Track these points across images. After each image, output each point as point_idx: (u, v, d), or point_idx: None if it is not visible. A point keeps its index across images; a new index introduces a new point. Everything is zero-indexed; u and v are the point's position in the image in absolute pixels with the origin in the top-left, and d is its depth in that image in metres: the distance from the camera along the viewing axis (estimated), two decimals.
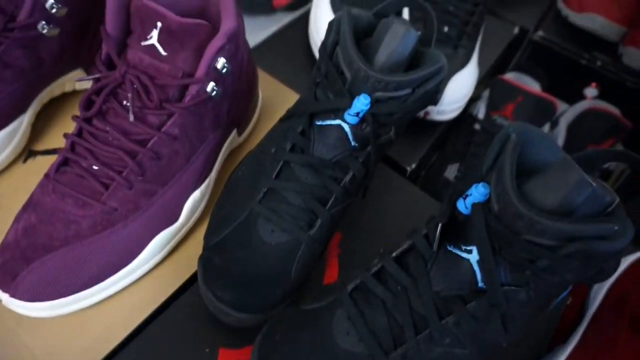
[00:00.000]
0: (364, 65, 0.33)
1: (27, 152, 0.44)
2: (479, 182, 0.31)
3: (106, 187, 0.35)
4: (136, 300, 0.38)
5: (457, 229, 0.33)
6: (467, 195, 0.31)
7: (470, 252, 0.32)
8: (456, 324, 0.31)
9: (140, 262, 0.37)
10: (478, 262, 0.32)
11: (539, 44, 0.69)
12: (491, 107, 0.58)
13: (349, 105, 0.34)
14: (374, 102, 0.34)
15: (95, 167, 0.35)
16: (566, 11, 0.68)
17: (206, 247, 0.37)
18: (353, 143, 0.37)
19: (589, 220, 0.27)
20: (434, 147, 0.57)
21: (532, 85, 0.62)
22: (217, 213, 0.39)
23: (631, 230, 0.27)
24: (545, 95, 0.56)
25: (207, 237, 0.38)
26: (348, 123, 0.36)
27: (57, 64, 0.42)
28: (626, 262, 0.40)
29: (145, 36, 0.35)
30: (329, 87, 0.36)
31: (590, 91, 0.70)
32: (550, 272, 0.29)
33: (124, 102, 0.36)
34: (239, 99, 0.42)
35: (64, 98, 0.47)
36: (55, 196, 0.35)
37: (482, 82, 0.62)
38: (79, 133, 0.36)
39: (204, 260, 0.36)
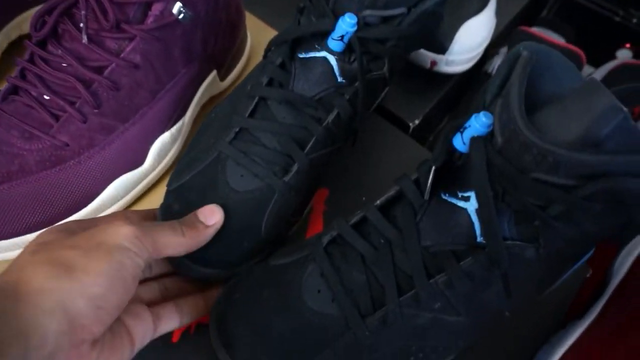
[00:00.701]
0: None
1: None
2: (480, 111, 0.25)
3: (57, 118, 0.31)
4: None
5: (454, 174, 0.28)
6: (465, 128, 0.26)
7: (468, 199, 0.27)
8: (447, 284, 0.27)
9: (98, 206, 0.33)
10: (477, 210, 0.27)
11: None
12: None
13: (332, 27, 0.30)
14: (362, 25, 0.30)
15: (46, 97, 0.32)
16: None
17: (167, 192, 0.33)
18: (340, 79, 0.32)
19: (617, 151, 0.22)
20: (443, 104, 0.51)
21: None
22: (184, 157, 0.35)
23: None
24: (570, 46, 0.50)
25: (170, 181, 0.33)
26: (334, 54, 0.32)
27: None
28: None
29: None
30: (313, 10, 0.31)
31: (624, 53, 0.63)
32: (564, 221, 0.24)
33: (81, 25, 0.31)
34: (217, 32, 0.37)
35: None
36: (1, 128, 0.31)
37: (500, 37, 0.56)
38: (30, 58, 0.32)
39: (163, 207, 0.32)
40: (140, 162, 0.35)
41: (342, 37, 0.30)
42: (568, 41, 0.57)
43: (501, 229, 0.26)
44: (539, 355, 0.33)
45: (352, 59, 0.32)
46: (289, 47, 0.32)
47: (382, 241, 0.28)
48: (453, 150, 0.27)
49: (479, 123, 0.25)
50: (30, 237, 0.31)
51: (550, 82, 0.26)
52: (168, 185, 0.33)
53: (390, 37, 0.31)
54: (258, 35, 0.48)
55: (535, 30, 0.55)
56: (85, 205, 0.33)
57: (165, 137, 0.36)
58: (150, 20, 0.31)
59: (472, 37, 0.47)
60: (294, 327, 0.28)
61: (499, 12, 0.52)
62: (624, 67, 0.51)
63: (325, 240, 0.29)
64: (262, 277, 0.30)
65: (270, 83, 0.32)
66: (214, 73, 0.40)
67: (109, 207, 0.34)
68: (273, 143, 0.32)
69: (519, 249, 0.26)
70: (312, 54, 0.32)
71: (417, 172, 0.29)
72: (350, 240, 0.29)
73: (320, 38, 0.32)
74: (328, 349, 0.27)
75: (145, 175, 0.36)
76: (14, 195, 0.30)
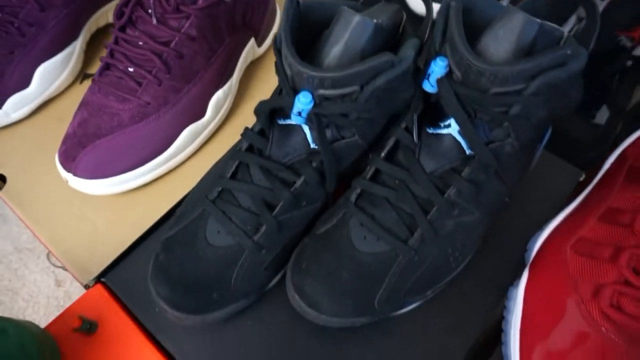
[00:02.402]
0: (294, 59, 0.29)
1: (82, 75, 0.52)
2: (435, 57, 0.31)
3: (140, 84, 0.42)
4: (174, 185, 0.44)
5: (431, 111, 0.34)
6: (429, 74, 0.31)
7: (449, 125, 0.33)
8: (457, 193, 0.33)
9: (174, 150, 0.44)
10: (459, 131, 0.33)
11: None
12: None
13: (291, 104, 0.31)
14: (321, 101, 0.31)
15: (130, 69, 0.42)
16: None
17: (160, 242, 0.36)
18: (313, 145, 0.35)
19: (543, 52, 0.28)
20: None
21: None
22: (182, 205, 0.38)
23: (584, 53, 0.28)
24: None
25: (165, 231, 0.37)
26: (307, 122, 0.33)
27: None
28: (635, 135, 0.40)
29: None
30: (281, 84, 0.33)
31: None
32: (524, 116, 0.31)
33: (149, 10, 0.41)
34: (252, 7, 0.46)
35: (109, 29, 0.54)
36: (101, 95, 0.42)
37: None
38: (116, 41, 0.42)
39: (154, 255, 0.36)
40: (202, 114, 0.45)
41: (300, 112, 0.31)
42: None
43: (482, 138, 0.32)
44: (532, 238, 0.40)
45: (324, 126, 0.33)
46: (267, 116, 0.34)
47: (397, 182, 0.34)
48: (426, 94, 0.33)
49: (437, 66, 0.31)
50: (129, 175, 0.42)
51: (480, 15, 0.32)
52: (163, 235, 0.37)
53: (351, 112, 0.32)
54: None
55: None
56: (165, 149, 0.43)
57: (219, 93, 0.46)
58: (201, 1, 0.41)
59: None
60: (356, 271, 0.33)
61: None
62: None
63: (353, 198, 0.35)
64: (317, 245, 0.35)
65: (250, 148, 0.35)
66: (252, 40, 0.49)
67: (182, 151, 0.45)
68: (248, 203, 0.34)
69: (499, 148, 0.33)
70: (289, 121, 0.34)
71: (404, 121, 0.35)
72: (372, 190, 0.34)
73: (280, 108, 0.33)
74: (388, 277, 0.33)
75: (207, 124, 0.46)
76: (117, 142, 0.41)
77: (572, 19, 0.59)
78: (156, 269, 0.35)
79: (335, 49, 0.31)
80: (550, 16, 0.57)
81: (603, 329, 0.31)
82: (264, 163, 0.34)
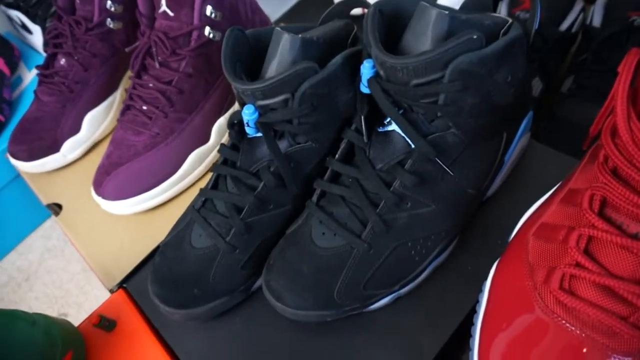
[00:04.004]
0: (229, 77, 0.34)
1: None
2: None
3: (150, 118, 0.49)
4: (186, 203, 0.51)
5: (378, 110, 0.36)
6: (361, 77, 0.34)
7: (391, 122, 0.35)
8: (402, 185, 0.34)
9: (183, 173, 0.50)
10: None
11: None
12: (512, 5, 0.57)
13: (241, 117, 0.36)
14: (265, 111, 0.35)
15: (144, 107, 0.50)
16: None
17: (158, 247, 0.43)
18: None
19: (447, 40, 0.29)
20: None
21: None
22: (178, 219, 0.43)
23: (507, 40, 0.29)
24: None
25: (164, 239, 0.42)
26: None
27: None
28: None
29: (159, 6, 0.48)
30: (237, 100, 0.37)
31: None
32: (453, 104, 0.32)
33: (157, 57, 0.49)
34: None
35: None
36: (122, 131, 0.50)
37: None
38: (133, 86, 0.51)
39: (153, 259, 0.41)
40: (206, 140, 0.51)
41: (248, 123, 0.36)
42: None
43: (421, 130, 0.33)
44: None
45: (278, 136, 0.37)
46: (237, 132, 0.38)
47: (350, 180, 0.36)
48: (366, 95, 0.35)
49: (365, 69, 0.33)
50: (145, 195, 0.49)
51: (407, 18, 0.33)
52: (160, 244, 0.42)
53: (291, 117, 0.35)
54: None
55: None
56: (174, 173, 0.50)
57: (221, 120, 0.52)
58: (192, 43, 0.48)
59: None
60: (315, 265, 0.36)
61: None
62: None
63: (315, 198, 0.38)
64: (284, 244, 0.38)
65: (225, 161, 0.40)
66: None
67: (190, 173, 0.51)
68: (223, 209, 0.39)
69: (440, 138, 0.34)
70: (254, 134, 0.38)
71: (355, 123, 0.37)
72: (330, 190, 0.37)
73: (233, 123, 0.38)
74: (345, 270, 0.35)
75: (212, 148, 0.52)
76: (135, 169, 0.49)
77: (577, 8, 0.57)
78: (152, 271, 0.41)
79: (272, 64, 0.36)
80: (551, 8, 0.55)
81: (555, 315, 0.29)
82: (234, 172, 0.39)
